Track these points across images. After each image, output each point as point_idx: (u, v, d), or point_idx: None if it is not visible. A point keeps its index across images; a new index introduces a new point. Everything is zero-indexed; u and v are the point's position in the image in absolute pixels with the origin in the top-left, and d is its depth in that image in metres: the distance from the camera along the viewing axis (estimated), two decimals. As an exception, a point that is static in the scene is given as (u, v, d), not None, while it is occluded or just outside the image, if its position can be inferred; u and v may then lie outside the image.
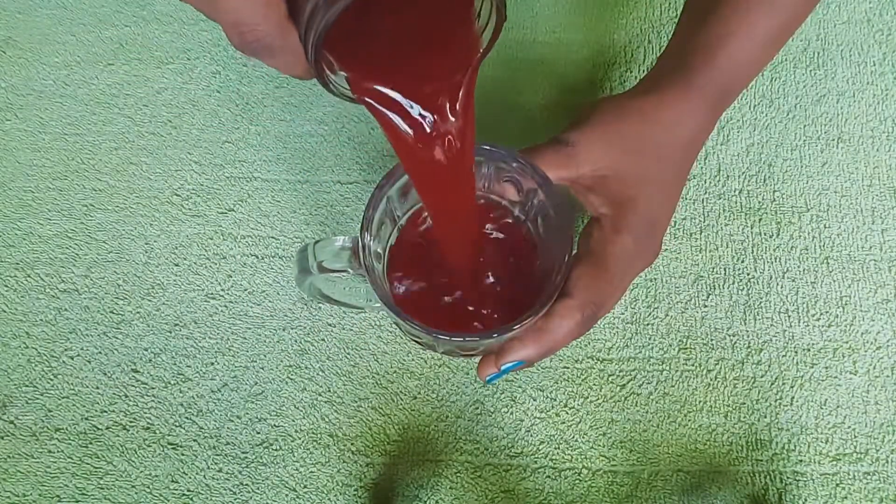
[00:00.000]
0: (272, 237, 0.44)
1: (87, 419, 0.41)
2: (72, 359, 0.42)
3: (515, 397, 0.40)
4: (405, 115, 0.26)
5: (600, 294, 0.32)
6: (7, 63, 0.50)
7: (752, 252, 0.43)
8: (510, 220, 0.36)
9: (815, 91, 0.47)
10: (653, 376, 0.40)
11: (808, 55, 0.48)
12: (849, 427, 0.39)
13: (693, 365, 0.41)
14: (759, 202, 0.44)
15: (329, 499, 0.39)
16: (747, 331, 0.41)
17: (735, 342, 0.41)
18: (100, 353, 0.42)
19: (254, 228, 0.45)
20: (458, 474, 0.39)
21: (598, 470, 0.39)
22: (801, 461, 0.38)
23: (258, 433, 0.40)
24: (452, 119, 0.26)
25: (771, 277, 0.42)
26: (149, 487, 0.39)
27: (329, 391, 0.41)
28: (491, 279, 0.35)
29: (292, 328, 0.42)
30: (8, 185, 0.47)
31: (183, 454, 0.40)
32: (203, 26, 0.51)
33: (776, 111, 0.46)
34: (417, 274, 0.36)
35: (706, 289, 0.42)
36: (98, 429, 0.40)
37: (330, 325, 0.42)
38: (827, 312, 0.41)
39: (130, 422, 0.40)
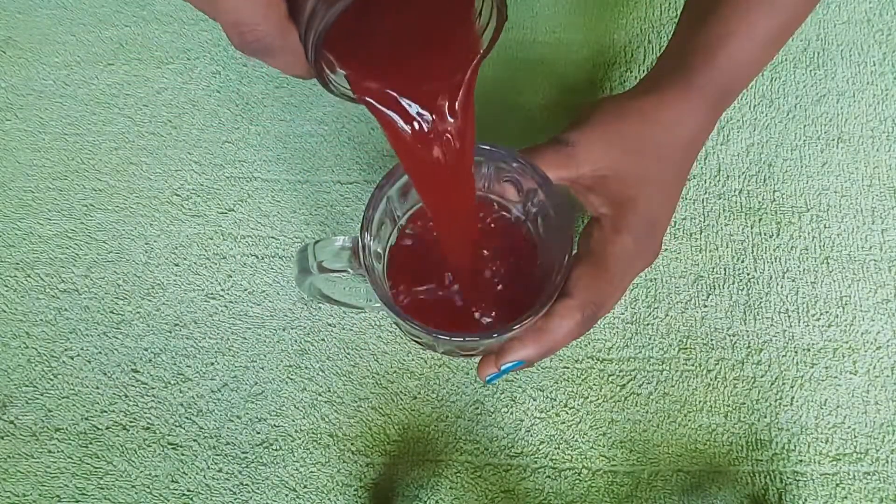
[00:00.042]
0: (272, 237, 0.44)
1: (87, 419, 0.41)
2: (72, 359, 0.42)
3: (515, 397, 0.40)
4: (405, 115, 0.26)
5: (600, 294, 0.32)
6: (7, 63, 0.50)
7: (752, 252, 0.43)
8: (510, 221, 0.36)
9: (815, 91, 0.47)
10: (653, 376, 0.40)
11: (808, 55, 0.48)
12: (849, 427, 0.39)
13: (693, 365, 0.41)
14: (759, 202, 0.44)
15: (329, 499, 0.39)
16: (747, 331, 0.41)
17: (735, 342, 0.41)
18: (100, 353, 0.42)
19: (254, 228, 0.45)
20: (458, 474, 0.39)
21: (598, 470, 0.39)
22: (801, 461, 0.38)
23: (258, 433, 0.40)
24: (452, 119, 0.26)
25: (771, 277, 0.42)
26: (149, 487, 0.39)
27: (329, 391, 0.41)
28: (491, 279, 0.35)
29: (292, 328, 0.42)
30: (8, 185, 0.47)
31: (183, 454, 0.40)
32: (203, 26, 0.51)
33: (776, 111, 0.46)
34: (417, 274, 0.36)
35: (706, 289, 0.42)
36: (98, 429, 0.40)
37: (330, 325, 0.42)
38: (827, 312, 0.41)
39: (130, 422, 0.40)
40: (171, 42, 0.51)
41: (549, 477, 0.39)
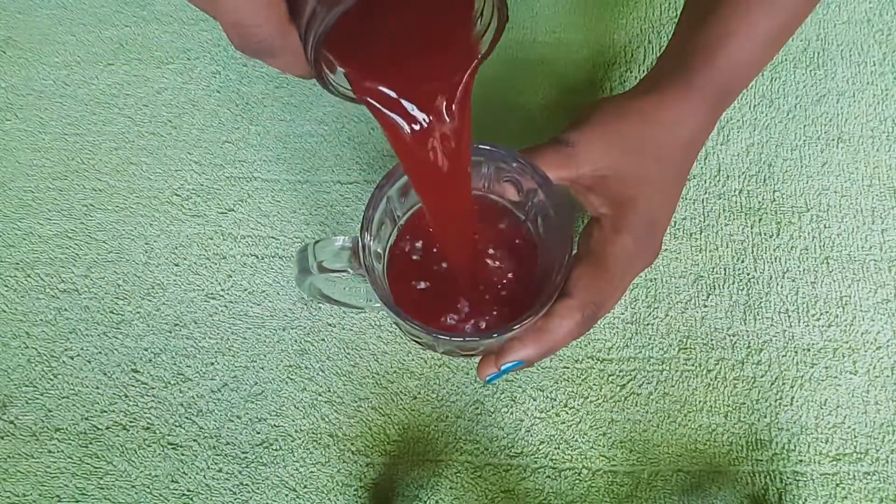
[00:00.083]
0: (272, 237, 0.44)
1: (87, 419, 0.41)
2: (72, 359, 0.42)
3: (515, 397, 0.40)
4: (404, 115, 0.26)
5: (600, 294, 0.32)
6: (7, 63, 0.50)
7: (752, 252, 0.43)
8: (510, 220, 0.36)
9: (815, 91, 0.47)
10: (653, 376, 0.40)
11: (808, 55, 0.48)
12: (849, 427, 0.39)
13: (693, 365, 0.41)
14: (759, 202, 0.44)
15: (329, 499, 0.39)
16: (747, 331, 0.41)
17: (735, 342, 0.41)
18: (100, 353, 0.42)
19: (254, 228, 0.45)
20: (458, 474, 0.39)
21: (598, 470, 0.39)
22: (801, 461, 0.38)
23: (258, 433, 0.40)
24: (449, 119, 0.26)
25: (771, 277, 0.42)
26: (149, 487, 0.39)
27: (329, 391, 0.41)
28: (491, 279, 0.35)
29: (292, 328, 0.42)
30: (8, 185, 0.47)
31: (183, 454, 0.40)
32: (203, 26, 0.51)
33: (776, 111, 0.46)
34: (417, 274, 0.36)
35: (706, 289, 0.42)
36: (98, 429, 0.40)
37: (330, 325, 0.42)
38: (827, 312, 0.41)
39: (130, 422, 0.40)
40: (171, 42, 0.51)
41: (549, 477, 0.39)
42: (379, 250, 0.35)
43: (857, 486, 0.38)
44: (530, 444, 0.39)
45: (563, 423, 0.40)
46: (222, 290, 0.43)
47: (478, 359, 0.34)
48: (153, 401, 0.41)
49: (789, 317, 0.41)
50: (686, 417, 0.40)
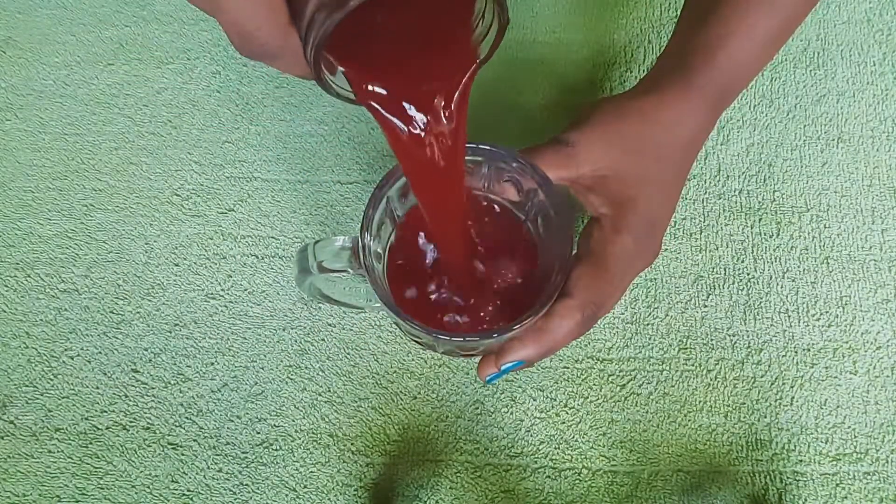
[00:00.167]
0: (272, 237, 0.44)
1: (87, 419, 0.41)
2: (72, 359, 0.42)
3: (515, 397, 0.40)
4: (402, 116, 0.26)
5: (600, 294, 0.32)
6: (7, 63, 0.50)
7: (752, 252, 0.43)
8: (510, 221, 0.36)
9: (815, 91, 0.47)
10: (653, 376, 0.40)
11: (808, 55, 0.48)
12: (849, 427, 0.39)
13: (693, 365, 0.41)
14: (759, 202, 0.44)
15: (329, 499, 0.39)
16: (747, 331, 0.41)
17: (735, 342, 0.41)
18: (100, 353, 0.42)
19: (254, 228, 0.45)
20: (458, 474, 0.39)
21: (598, 470, 0.39)
22: (801, 461, 0.38)
23: (258, 433, 0.40)
24: (447, 122, 0.26)
25: (771, 277, 0.42)
26: (149, 487, 0.39)
27: (329, 391, 0.41)
28: (491, 279, 0.35)
29: (292, 328, 0.42)
30: (8, 185, 0.47)
31: (183, 454, 0.40)
32: (203, 26, 0.51)
33: (776, 111, 0.46)
34: (417, 274, 0.36)
35: (706, 289, 0.42)
36: (98, 429, 0.40)
37: (330, 325, 0.42)
38: (827, 312, 0.41)
39: (130, 422, 0.40)
40: (171, 42, 0.51)
41: (549, 477, 0.39)
42: (379, 250, 0.35)
43: (857, 486, 0.38)
44: (530, 444, 0.39)
45: (563, 423, 0.40)
46: (222, 290, 0.43)
47: (478, 359, 0.34)
48: (153, 401, 0.41)
49: (789, 317, 0.41)
50: (686, 417, 0.39)
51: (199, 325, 0.42)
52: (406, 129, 0.26)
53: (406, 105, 0.26)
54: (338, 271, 0.33)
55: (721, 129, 0.46)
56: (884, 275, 0.42)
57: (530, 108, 0.47)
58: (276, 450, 0.40)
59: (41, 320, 0.43)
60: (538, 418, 0.40)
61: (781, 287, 0.42)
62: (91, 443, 0.40)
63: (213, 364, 0.41)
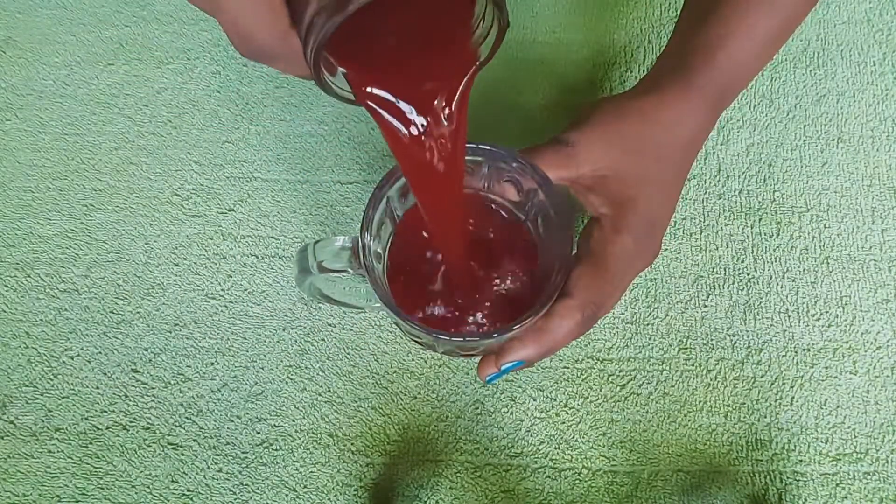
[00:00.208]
0: (272, 237, 0.44)
1: (87, 419, 0.41)
2: (72, 359, 0.42)
3: (515, 397, 0.40)
4: (402, 117, 0.26)
5: (600, 294, 0.32)
6: (7, 63, 0.50)
7: (752, 252, 0.43)
8: (510, 220, 0.36)
9: (815, 91, 0.47)
10: (653, 376, 0.40)
11: (808, 55, 0.48)
12: (849, 427, 0.39)
13: (693, 365, 0.41)
14: (759, 202, 0.44)
15: (329, 499, 0.39)
16: (747, 331, 0.41)
17: (735, 342, 0.41)
18: (100, 353, 0.42)
19: (254, 228, 0.45)
20: (458, 474, 0.39)
21: (598, 470, 0.39)
22: (801, 461, 0.38)
23: (258, 433, 0.40)
24: (447, 123, 0.26)
25: (771, 277, 0.42)
26: (149, 487, 0.39)
27: (329, 391, 0.41)
28: (491, 279, 0.35)
29: (292, 328, 0.42)
30: (8, 185, 0.47)
31: (183, 454, 0.40)
32: (203, 26, 0.51)
33: (776, 111, 0.46)
34: (417, 274, 0.36)
35: (706, 289, 0.42)
36: (98, 429, 0.40)
37: (330, 325, 0.42)
38: (827, 312, 0.41)
39: (130, 422, 0.40)
40: (171, 42, 0.51)
41: (549, 477, 0.39)
42: (379, 250, 0.35)
43: (857, 486, 0.38)
44: (530, 444, 0.39)
45: (563, 423, 0.40)
46: (222, 290, 0.43)
47: (478, 359, 0.34)
48: (153, 401, 0.41)
49: (789, 317, 0.41)
50: (686, 417, 0.40)
51: (199, 325, 0.42)
52: (405, 130, 0.26)
53: (406, 106, 0.26)
54: (338, 271, 0.33)
55: (721, 129, 0.46)
56: (884, 275, 0.42)
57: (530, 108, 0.47)
58: (276, 450, 0.40)
59: (41, 320, 0.43)
60: (538, 418, 0.40)
61: (781, 287, 0.42)
62: (91, 443, 0.40)
63: (213, 364, 0.41)
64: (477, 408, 0.40)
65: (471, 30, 0.25)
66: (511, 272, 0.35)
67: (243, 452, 0.40)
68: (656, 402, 0.40)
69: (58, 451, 0.40)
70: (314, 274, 0.33)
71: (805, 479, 0.38)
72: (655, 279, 0.42)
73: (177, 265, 0.44)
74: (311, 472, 0.39)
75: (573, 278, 0.32)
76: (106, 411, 0.41)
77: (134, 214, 0.45)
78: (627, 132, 0.34)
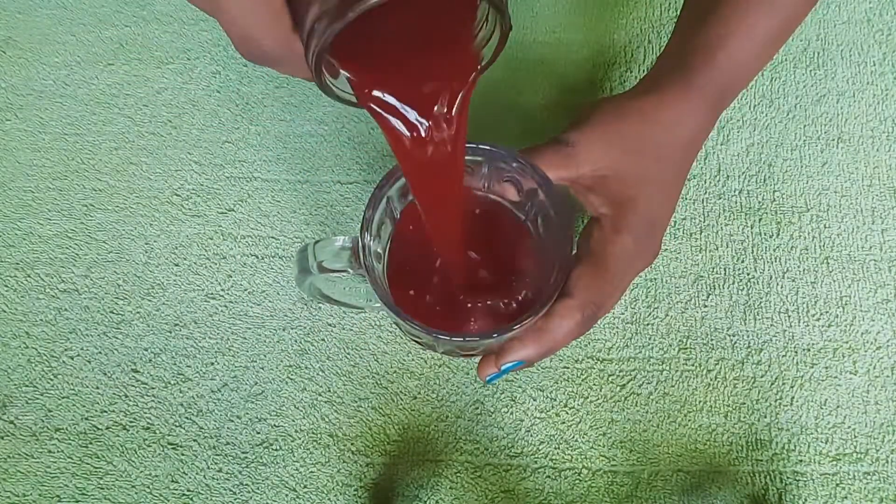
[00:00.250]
0: (272, 237, 0.44)
1: (87, 419, 0.41)
2: (72, 359, 0.42)
3: (515, 397, 0.40)
4: (404, 119, 0.26)
5: (600, 294, 0.32)
6: (7, 63, 0.50)
7: (752, 252, 0.43)
8: (510, 220, 0.36)
9: (815, 91, 0.47)
10: (653, 376, 0.40)
11: (808, 55, 0.48)
12: (849, 427, 0.39)
13: (693, 365, 0.41)
14: (759, 202, 0.44)
15: (329, 499, 0.39)
16: (747, 331, 0.41)
17: (735, 342, 0.41)
18: (100, 353, 0.42)
19: (254, 228, 0.45)
20: (458, 474, 0.39)
21: (598, 470, 0.39)
22: (801, 461, 0.38)
23: (258, 433, 0.40)
24: (447, 126, 0.26)
25: (771, 277, 0.42)
26: (149, 487, 0.39)
27: (329, 391, 0.41)
28: (491, 279, 0.35)
29: (292, 328, 0.42)
30: (8, 185, 0.47)
31: (183, 454, 0.40)
32: (203, 26, 0.51)
33: (776, 111, 0.46)
34: (417, 274, 0.36)
35: (706, 289, 0.42)
36: (98, 429, 0.40)
37: (330, 325, 0.42)
38: (827, 312, 0.41)
39: (130, 422, 0.40)
40: (171, 42, 0.51)
41: (549, 477, 0.39)
42: (379, 250, 0.35)
43: (857, 486, 0.38)
44: (530, 444, 0.39)
45: (563, 423, 0.40)
46: (222, 290, 0.43)
47: (478, 359, 0.34)
48: (153, 401, 0.41)
49: (789, 317, 0.41)
50: (686, 417, 0.39)
51: (199, 325, 0.42)
52: (407, 132, 0.26)
53: (407, 108, 0.26)
54: (338, 271, 0.33)
55: (721, 129, 0.46)
56: (884, 275, 0.42)
57: (530, 108, 0.47)
58: (276, 450, 0.40)
59: (41, 320, 0.43)
60: (538, 418, 0.40)
61: (781, 287, 0.42)
62: (91, 443, 0.40)
63: (213, 364, 0.41)
64: (477, 408, 0.40)
65: (473, 33, 0.25)
66: (511, 272, 0.35)
67: (243, 452, 0.40)
68: (656, 402, 0.40)
69: (58, 451, 0.40)
70: (314, 274, 0.33)
71: (805, 479, 0.38)
72: (655, 279, 0.42)
73: (177, 265, 0.44)
74: (311, 472, 0.39)
75: (573, 278, 0.32)
76: (106, 411, 0.41)
77: (134, 214, 0.45)
78: (627, 132, 0.34)
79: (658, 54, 0.38)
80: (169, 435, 0.40)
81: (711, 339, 0.41)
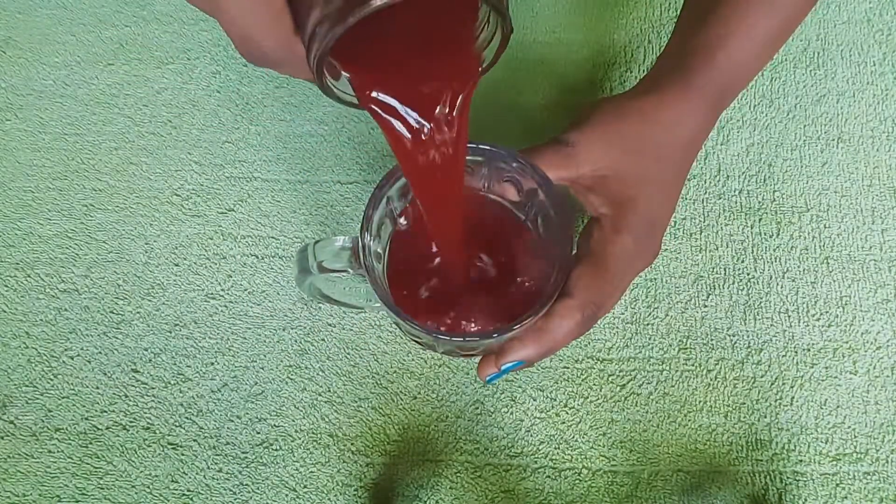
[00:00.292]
0: (272, 237, 0.44)
1: (87, 419, 0.41)
2: (72, 359, 0.42)
3: (515, 397, 0.40)
4: (405, 120, 0.26)
5: (600, 294, 0.32)
6: (7, 63, 0.50)
7: (752, 252, 0.43)
8: (510, 220, 0.36)
9: (815, 91, 0.47)
10: (653, 376, 0.40)
11: (808, 55, 0.48)
12: (849, 427, 0.39)
13: (693, 365, 0.41)
14: (759, 202, 0.44)
15: (329, 499, 0.39)
16: (747, 331, 0.41)
17: (735, 342, 0.41)
18: (100, 353, 0.42)
19: (254, 228, 0.45)
20: (458, 474, 0.39)
21: (598, 470, 0.39)
22: (801, 461, 0.38)
23: (258, 433, 0.40)
24: (448, 127, 0.26)
25: (771, 277, 0.42)
26: (149, 487, 0.39)
27: (329, 391, 0.41)
28: (491, 279, 0.35)
29: (292, 328, 0.42)
30: (8, 185, 0.47)
31: (183, 454, 0.40)
32: (203, 26, 0.51)
33: (776, 111, 0.46)
34: (417, 274, 0.36)
35: (706, 289, 0.42)
36: (98, 429, 0.40)
37: (330, 325, 0.42)
38: (827, 312, 0.41)
39: (130, 422, 0.40)
40: (171, 42, 0.51)
41: (549, 477, 0.39)
42: (379, 250, 0.35)
43: (857, 486, 0.38)
44: (530, 444, 0.39)
45: (563, 423, 0.40)
46: (222, 290, 0.43)
47: (478, 359, 0.34)
48: (153, 401, 0.41)
49: (789, 317, 0.41)
50: (686, 417, 0.40)
51: (199, 325, 0.42)
52: (408, 133, 0.26)
53: (408, 109, 0.26)
54: (338, 271, 0.33)
55: (721, 129, 0.46)
56: (884, 275, 0.42)
57: (530, 108, 0.47)
58: (276, 450, 0.40)
59: (41, 320, 0.43)
60: (538, 418, 0.40)
61: (781, 287, 0.42)
62: (91, 443, 0.40)
63: (213, 364, 0.41)
64: (477, 408, 0.40)
65: (474, 34, 0.25)
66: (511, 272, 0.35)
67: (243, 452, 0.40)
68: (656, 402, 0.40)
69: (58, 451, 0.40)
70: (314, 274, 0.33)
71: (805, 479, 0.38)
72: (655, 279, 0.42)
73: (177, 265, 0.44)
74: (311, 472, 0.39)
75: (573, 278, 0.32)
76: (106, 411, 0.41)
77: (134, 214, 0.45)
78: (627, 132, 0.34)
79: (658, 54, 0.38)
80: (169, 435, 0.40)
81: (711, 339, 0.41)
